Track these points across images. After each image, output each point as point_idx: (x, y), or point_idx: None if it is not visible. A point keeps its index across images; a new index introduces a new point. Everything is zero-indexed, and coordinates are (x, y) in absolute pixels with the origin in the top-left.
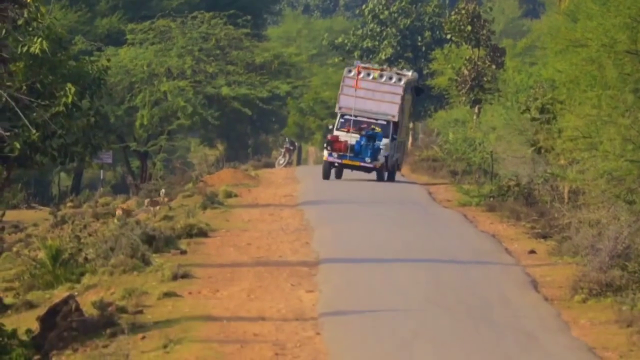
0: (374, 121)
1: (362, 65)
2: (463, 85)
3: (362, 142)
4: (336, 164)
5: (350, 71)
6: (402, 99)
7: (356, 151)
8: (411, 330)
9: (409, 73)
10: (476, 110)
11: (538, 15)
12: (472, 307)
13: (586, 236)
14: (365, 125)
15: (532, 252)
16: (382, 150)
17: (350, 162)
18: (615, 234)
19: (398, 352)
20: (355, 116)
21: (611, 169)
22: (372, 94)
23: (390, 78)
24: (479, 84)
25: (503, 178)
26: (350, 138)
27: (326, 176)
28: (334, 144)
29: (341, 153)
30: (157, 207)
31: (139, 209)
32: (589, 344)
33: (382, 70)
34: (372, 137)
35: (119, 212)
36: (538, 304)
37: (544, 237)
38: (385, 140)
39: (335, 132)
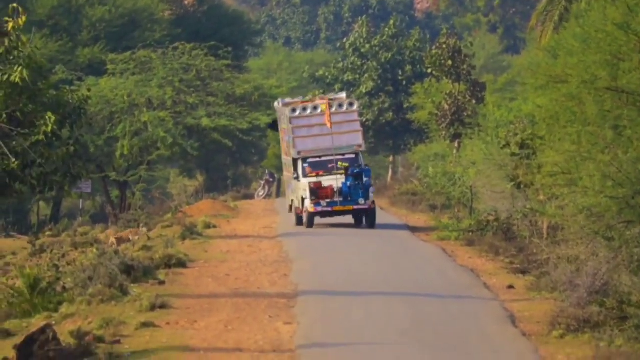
0: (340, 157)
1: (289, 100)
2: (443, 120)
3: (350, 183)
4: (325, 212)
5: (294, 110)
6: (361, 123)
7: (345, 194)
8: None
9: (343, 95)
10: (456, 144)
11: (519, 51)
12: (450, 341)
13: (565, 272)
14: (333, 165)
15: (511, 287)
16: (371, 187)
17: (342, 208)
18: (594, 270)
19: None
20: (320, 157)
21: (590, 205)
22: (329, 127)
23: (340, 105)
24: (459, 118)
25: (482, 213)
26: (336, 181)
27: (311, 225)
28: (318, 192)
29: (329, 200)
30: (137, 237)
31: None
32: None
33: (312, 100)
34: (359, 175)
35: (112, 239)
36: (516, 339)
37: (523, 272)
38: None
39: (309, 179)
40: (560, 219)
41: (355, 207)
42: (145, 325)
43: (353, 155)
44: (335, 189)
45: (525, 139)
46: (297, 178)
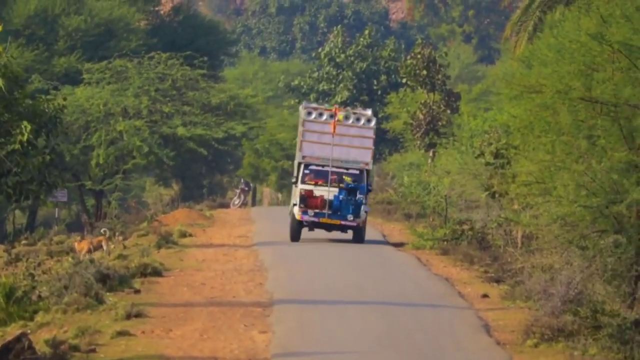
0: (344, 171)
1: (312, 105)
2: (418, 129)
3: (342, 197)
4: (307, 223)
5: (310, 113)
6: (374, 142)
7: (335, 207)
8: None
9: (369, 112)
10: (431, 154)
11: (493, 61)
12: (424, 350)
13: (539, 281)
14: (334, 177)
15: (485, 296)
16: (364, 205)
17: (329, 221)
18: (568, 279)
19: None
20: (323, 166)
21: (564, 214)
22: (340, 139)
23: (358, 119)
24: (433, 128)
25: (456, 222)
26: (328, 192)
27: (295, 237)
28: (308, 200)
29: (317, 210)
30: (112, 245)
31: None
32: None
33: (336, 110)
34: (353, 190)
35: (81, 245)
36: (490, 348)
37: (497, 281)
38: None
39: (303, 186)
40: (535, 228)
41: (343, 222)
42: (120, 334)
43: (357, 172)
44: (325, 200)
45: (500, 149)
46: (295, 182)
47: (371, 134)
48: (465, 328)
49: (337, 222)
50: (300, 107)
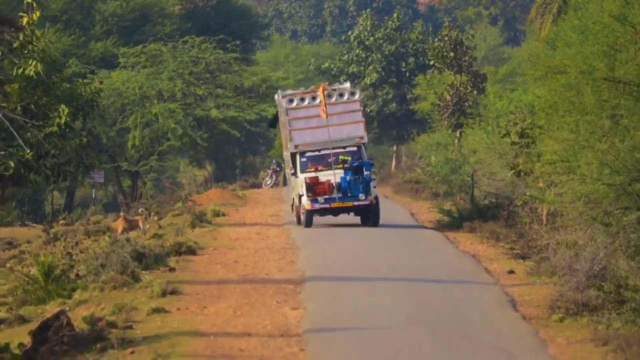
0: (341, 150)
1: (287, 92)
2: (445, 110)
3: (348, 177)
4: (323, 210)
5: (291, 101)
6: (363, 114)
7: (344, 189)
8: (393, 348)
9: (347, 85)
10: (458, 134)
11: (519, 42)
12: (452, 325)
13: (564, 257)
14: (332, 159)
15: (511, 272)
16: (372, 181)
17: (341, 205)
18: (592, 255)
19: None
20: (319, 151)
21: (588, 192)
22: (329, 118)
23: (341, 95)
24: (460, 108)
25: (483, 200)
26: (334, 176)
27: (309, 224)
28: (315, 188)
29: (327, 196)
30: (147, 226)
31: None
32: None
33: (313, 91)
34: (358, 169)
35: (120, 222)
36: (517, 322)
37: (523, 257)
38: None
39: (307, 175)
40: (559, 206)
41: (356, 203)
42: (156, 310)
43: (355, 148)
44: (333, 184)
45: (525, 128)
46: (294, 174)
47: (358, 106)
48: (492, 303)
49: (350, 203)
50: (277, 97)
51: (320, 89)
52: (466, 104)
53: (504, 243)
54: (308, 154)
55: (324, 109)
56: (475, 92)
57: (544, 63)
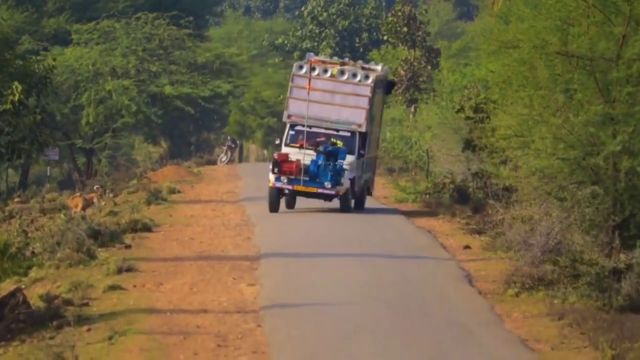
0: (334, 132)
1: (317, 58)
2: (399, 85)
3: (320, 162)
4: (286, 191)
5: (301, 67)
6: (371, 102)
7: (312, 174)
8: (350, 323)
9: (379, 67)
10: (412, 109)
11: (472, 17)
12: (408, 300)
13: (519, 232)
14: (322, 139)
15: (467, 247)
16: (346, 172)
17: (304, 189)
18: (547, 230)
19: (337, 345)
20: (310, 127)
21: (543, 166)
22: (331, 96)
23: (354, 75)
24: (414, 84)
25: (438, 175)
26: (304, 156)
27: (274, 208)
28: (282, 165)
29: (292, 177)
30: (102, 202)
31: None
32: (522, 336)
33: (342, 63)
34: (332, 154)
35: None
36: (472, 297)
37: (479, 232)
38: (349, 158)
39: (284, 149)
40: (514, 181)
41: (320, 190)
42: (112, 288)
43: (349, 134)
44: (301, 166)
45: (479, 103)
46: (278, 145)
47: (367, 92)
48: (448, 278)
49: (314, 189)
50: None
51: (309, 63)
52: (420, 79)
53: (459, 218)
54: (298, 127)
55: (309, 83)
56: (429, 67)
57: (497, 38)
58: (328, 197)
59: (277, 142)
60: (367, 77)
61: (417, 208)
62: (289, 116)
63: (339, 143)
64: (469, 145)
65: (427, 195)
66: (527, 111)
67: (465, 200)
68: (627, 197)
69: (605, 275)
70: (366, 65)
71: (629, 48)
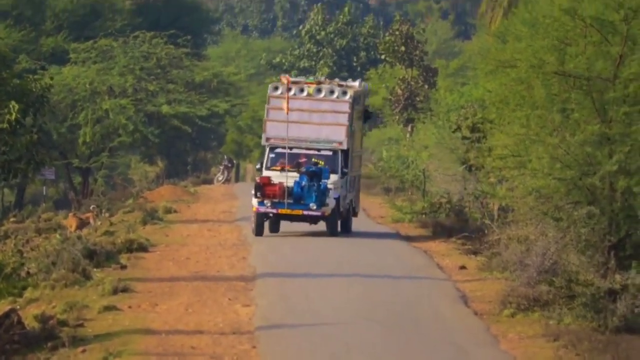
0: (315, 152)
1: (292, 78)
2: (396, 105)
3: (303, 183)
4: (270, 215)
5: (276, 88)
6: (350, 118)
7: (296, 195)
8: (345, 344)
9: (356, 83)
10: (409, 129)
11: (469, 36)
12: (404, 321)
13: (515, 252)
14: (304, 159)
15: (463, 267)
16: (331, 191)
17: (289, 212)
18: (543, 250)
19: None
20: (290, 148)
21: (539, 186)
22: (309, 115)
23: (332, 92)
24: (412, 103)
25: (435, 195)
26: (287, 179)
27: (259, 231)
28: (264, 189)
29: (276, 200)
30: (99, 222)
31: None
32: (517, 357)
33: (318, 82)
34: (316, 175)
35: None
36: (468, 318)
37: (474, 253)
38: (333, 177)
39: (265, 173)
40: (510, 201)
41: (306, 212)
42: (107, 308)
43: (330, 153)
44: (284, 188)
45: (476, 123)
46: (259, 169)
47: (346, 108)
48: (444, 299)
49: (299, 212)
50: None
51: (286, 81)
52: (417, 98)
53: (455, 238)
54: (278, 149)
55: (287, 103)
56: (426, 87)
57: (495, 57)
58: (314, 220)
59: (258, 166)
60: (344, 93)
61: (414, 227)
62: (268, 139)
63: (321, 163)
64: (465, 164)
65: (424, 215)
66: (523, 131)
67: (463, 221)
68: (623, 217)
69: (601, 296)
70: (343, 83)
71: (625, 68)
